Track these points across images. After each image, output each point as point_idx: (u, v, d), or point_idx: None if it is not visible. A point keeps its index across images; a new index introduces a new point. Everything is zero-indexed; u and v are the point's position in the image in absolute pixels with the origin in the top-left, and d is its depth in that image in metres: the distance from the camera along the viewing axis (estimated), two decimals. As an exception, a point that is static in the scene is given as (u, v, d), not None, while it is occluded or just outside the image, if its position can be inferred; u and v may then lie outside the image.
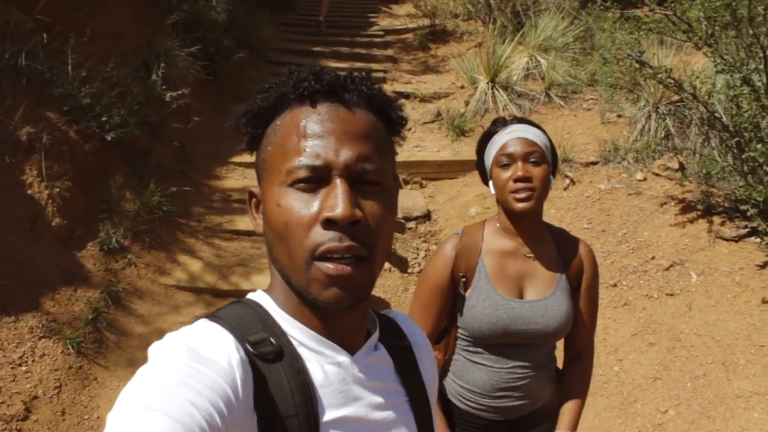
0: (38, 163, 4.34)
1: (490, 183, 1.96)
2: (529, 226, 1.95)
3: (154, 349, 0.79)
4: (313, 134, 0.85)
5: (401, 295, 5.16)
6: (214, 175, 6.18)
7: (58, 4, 5.18)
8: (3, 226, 3.99)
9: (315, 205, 0.83)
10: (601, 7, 5.97)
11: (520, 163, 1.85)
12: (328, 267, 0.82)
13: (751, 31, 4.25)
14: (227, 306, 0.93)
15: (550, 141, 1.95)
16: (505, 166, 1.87)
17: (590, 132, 6.54)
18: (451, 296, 1.98)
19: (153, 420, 0.66)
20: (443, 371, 2.09)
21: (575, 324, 2.04)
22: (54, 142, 4.46)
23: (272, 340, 0.87)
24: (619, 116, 6.62)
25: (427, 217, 6.17)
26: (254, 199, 0.96)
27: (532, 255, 1.96)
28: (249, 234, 5.34)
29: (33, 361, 3.50)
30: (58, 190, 4.39)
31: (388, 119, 0.94)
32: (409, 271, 5.47)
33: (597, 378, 4.19)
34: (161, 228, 5.04)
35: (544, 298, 1.93)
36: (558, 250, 2.00)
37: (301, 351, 0.89)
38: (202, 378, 0.73)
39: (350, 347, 0.94)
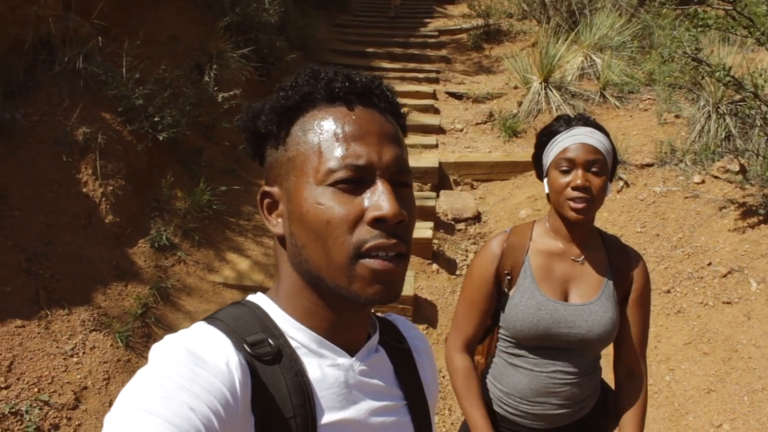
0: (93, 162, 4.47)
1: (545, 181, 1.92)
2: (581, 231, 1.92)
3: (154, 352, 0.79)
4: (354, 135, 0.85)
5: (448, 297, 5.11)
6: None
7: (114, 10, 5.34)
8: (59, 223, 4.12)
9: (359, 205, 0.83)
10: (660, 4, 5.80)
11: (580, 171, 1.80)
12: (374, 263, 0.83)
13: (816, 27, 4.04)
14: (225, 308, 0.93)
15: (612, 144, 1.89)
16: (565, 171, 1.83)
17: (646, 133, 6.35)
18: (496, 294, 1.96)
19: (151, 424, 0.67)
20: (483, 374, 2.06)
21: (623, 338, 1.97)
22: (108, 142, 4.59)
23: (270, 341, 0.87)
24: (677, 117, 6.40)
25: (477, 218, 6.11)
26: (267, 200, 0.94)
27: (580, 258, 1.92)
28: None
29: (84, 353, 3.60)
30: (111, 188, 4.52)
31: (401, 125, 0.96)
32: (458, 273, 5.41)
33: (648, 387, 4.05)
34: (211, 226, 5.13)
35: (588, 303, 1.88)
36: (608, 256, 1.95)
37: (301, 353, 0.89)
38: (201, 382, 0.74)
39: (351, 349, 0.94)
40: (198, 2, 6.74)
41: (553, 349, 1.89)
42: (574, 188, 1.80)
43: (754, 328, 4.15)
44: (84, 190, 4.37)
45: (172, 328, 4.14)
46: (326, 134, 0.86)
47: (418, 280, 5.11)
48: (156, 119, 4.98)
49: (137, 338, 3.92)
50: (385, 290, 0.84)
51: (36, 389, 3.30)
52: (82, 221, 4.26)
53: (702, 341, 4.20)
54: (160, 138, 4.97)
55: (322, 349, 0.90)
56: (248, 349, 0.84)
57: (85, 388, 3.48)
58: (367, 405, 0.93)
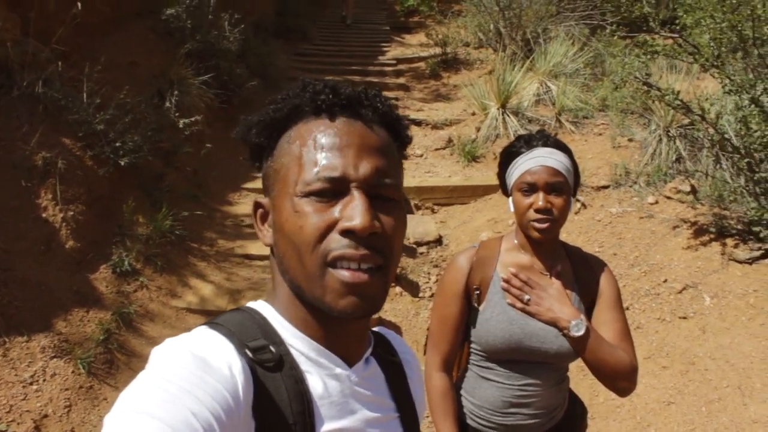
0: (53, 187, 4.40)
1: (510, 200, 1.97)
2: (546, 247, 1.96)
3: (156, 354, 0.79)
4: (332, 147, 0.86)
5: (412, 319, 5.14)
6: (227, 200, 6.23)
7: (74, 35, 5.31)
8: (18, 249, 4.04)
9: (332, 214, 0.84)
10: (610, 34, 6.02)
11: (541, 194, 1.85)
12: (344, 275, 0.83)
13: (757, 52, 4.26)
14: (226, 313, 0.93)
15: (573, 161, 1.93)
16: (526, 192, 1.88)
17: (601, 156, 6.54)
18: (466, 308, 1.98)
19: (151, 427, 0.66)
20: (456, 388, 2.07)
21: (600, 327, 1.96)
22: (69, 167, 4.53)
23: (272, 348, 0.87)
24: (630, 140, 6.62)
25: (438, 242, 6.17)
26: (260, 210, 0.96)
27: (547, 273, 1.96)
28: (261, 258, 5.37)
29: (44, 380, 3.52)
30: (72, 213, 4.45)
31: (397, 137, 0.96)
32: (420, 295, 5.45)
33: (609, 402, 4.13)
34: (173, 252, 5.08)
35: None
36: (572, 268, 2.00)
37: (300, 361, 0.89)
38: (204, 386, 0.73)
39: (349, 359, 0.94)
40: (158, 29, 6.73)
41: (524, 362, 1.92)
42: (536, 210, 1.85)
43: (709, 341, 4.28)
44: (43, 215, 4.30)
45: (135, 354, 4.08)
46: (307, 146, 0.87)
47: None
48: (117, 144, 4.94)
49: (99, 364, 3.85)
50: (360, 303, 0.84)
51: (-6, 418, 3.21)
52: (42, 247, 4.18)
53: (661, 355, 4.31)
54: (122, 163, 4.92)
55: (320, 358, 0.91)
56: (250, 355, 0.84)
57: (46, 416, 3.40)
58: (363, 415, 0.94)
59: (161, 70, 6.26)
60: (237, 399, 0.76)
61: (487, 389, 1.97)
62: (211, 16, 7.17)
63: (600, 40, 7.97)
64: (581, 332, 1.82)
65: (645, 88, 5.11)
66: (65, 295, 4.07)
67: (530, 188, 1.87)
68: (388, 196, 0.88)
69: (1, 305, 3.70)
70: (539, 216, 1.85)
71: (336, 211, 0.84)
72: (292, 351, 0.89)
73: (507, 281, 1.91)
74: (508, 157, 1.96)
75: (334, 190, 0.85)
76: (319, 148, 0.86)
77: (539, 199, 1.84)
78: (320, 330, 0.91)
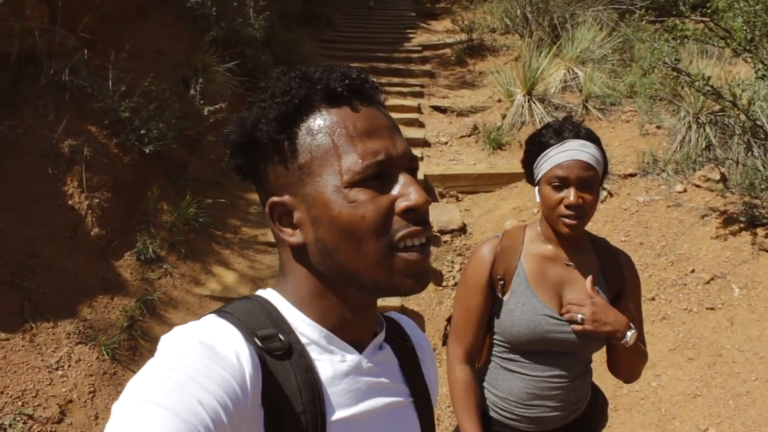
0: (79, 174, 4.46)
1: (536, 191, 1.93)
2: (572, 239, 1.93)
3: (165, 343, 0.78)
4: (366, 132, 0.86)
5: (435, 308, 5.13)
6: (251, 188, 6.15)
7: (100, 23, 5.35)
8: (44, 236, 4.10)
9: (388, 197, 0.86)
10: (639, 18, 5.90)
11: (573, 190, 1.79)
12: (411, 255, 0.86)
13: (792, 36, 4.14)
14: (234, 302, 0.92)
15: (603, 152, 1.88)
16: (557, 187, 1.82)
17: (628, 144, 6.43)
18: (490, 299, 1.95)
19: (158, 416, 0.66)
20: (478, 380, 2.05)
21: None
22: (94, 155, 4.58)
23: (281, 336, 0.86)
24: (658, 128, 6.50)
25: (462, 230, 6.13)
26: (278, 211, 0.91)
27: (572, 263, 1.93)
28: (284, 246, 5.38)
29: (69, 366, 3.57)
30: (97, 200, 4.50)
31: None
32: (444, 284, 5.43)
33: (633, 394, 4.08)
34: (197, 239, 5.12)
35: None
36: (599, 259, 1.97)
37: (310, 349, 0.89)
38: (211, 375, 0.73)
39: (359, 345, 0.94)
40: (184, 17, 6.76)
41: (549, 353, 1.90)
42: (568, 206, 1.80)
43: (737, 333, 4.20)
44: (69, 202, 4.35)
45: (158, 341, 4.12)
46: (339, 136, 0.86)
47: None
48: (142, 132, 4.98)
49: (123, 351, 3.90)
50: (422, 279, 0.87)
51: (20, 403, 3.27)
52: (68, 234, 4.24)
53: (687, 347, 4.24)
54: (147, 151, 4.96)
55: (331, 346, 0.91)
56: (259, 343, 0.84)
57: (71, 401, 3.45)
58: (376, 402, 0.93)
59: (186, 58, 6.29)
60: (245, 388, 0.76)
61: (510, 381, 1.95)
62: (236, 3, 7.18)
63: (629, 25, 7.82)
64: (634, 340, 1.83)
65: (674, 73, 4.99)
66: (90, 282, 4.13)
67: (562, 183, 1.81)
68: (416, 168, 0.92)
69: (27, 291, 3.77)
70: (570, 213, 1.80)
71: (390, 193, 0.86)
72: (302, 339, 0.89)
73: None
74: (537, 146, 1.90)
75: (382, 173, 0.86)
76: (356, 136, 0.86)
77: (571, 195, 1.79)
78: (336, 319, 0.91)
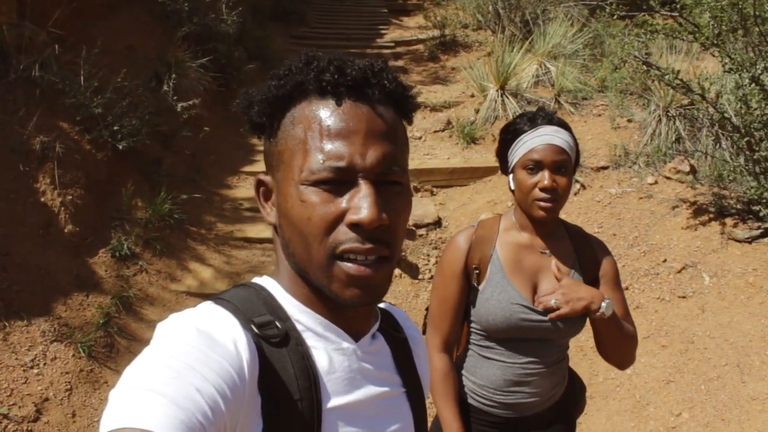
0: (51, 171, 4.40)
1: (510, 177, 1.95)
2: (546, 225, 1.95)
3: (162, 330, 0.78)
4: (338, 133, 0.83)
5: (411, 301, 5.15)
6: (225, 184, 6.22)
7: (71, 18, 5.28)
8: (17, 233, 4.04)
9: (339, 205, 0.82)
10: (610, 15, 5.98)
11: (547, 173, 1.83)
12: (350, 267, 0.83)
13: (758, 30, 4.23)
14: (231, 289, 0.93)
15: (575, 140, 1.92)
16: (531, 171, 1.85)
17: (600, 137, 6.52)
18: (466, 288, 1.97)
19: (156, 403, 0.66)
20: (456, 368, 2.07)
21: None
22: (67, 151, 4.52)
23: (278, 323, 0.87)
24: (629, 121, 6.60)
25: (437, 224, 6.17)
26: (262, 188, 0.94)
27: (547, 251, 1.95)
28: (260, 242, 5.37)
29: (45, 364, 3.53)
30: (70, 197, 4.45)
31: (404, 109, 0.93)
32: (420, 277, 5.46)
33: (609, 381, 4.15)
34: (172, 236, 5.08)
35: None
36: (573, 246, 1.99)
37: (306, 336, 0.89)
38: (209, 362, 0.73)
39: (355, 334, 0.94)
40: (155, 12, 6.69)
41: (525, 340, 1.92)
42: (542, 189, 1.83)
43: (708, 320, 4.30)
44: (42, 199, 4.29)
45: (135, 338, 4.09)
46: (312, 131, 0.84)
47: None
48: (115, 128, 4.93)
49: (100, 348, 3.86)
50: (364, 294, 0.84)
51: (-5, 401, 3.23)
52: (41, 231, 4.18)
53: (660, 334, 4.33)
54: (120, 147, 4.91)
55: (327, 333, 0.91)
56: (256, 330, 0.84)
57: (47, 399, 3.41)
58: (370, 390, 0.94)
59: (158, 54, 6.23)
60: (242, 375, 0.76)
61: (488, 368, 1.97)
62: (208, 0, 7.11)
63: (599, 21, 7.92)
64: (611, 310, 1.85)
65: (644, 67, 5.08)
66: (65, 280, 4.08)
67: (536, 166, 1.84)
68: (395, 181, 0.86)
69: (0, 290, 3.71)
70: (544, 195, 1.83)
71: (343, 201, 0.83)
72: (298, 326, 0.89)
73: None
74: (511, 134, 1.93)
75: (341, 180, 0.83)
76: (325, 135, 0.83)
77: (545, 178, 1.82)
78: (326, 307, 0.91)
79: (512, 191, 2.01)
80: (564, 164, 1.84)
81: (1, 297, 3.69)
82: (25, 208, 4.18)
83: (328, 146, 0.82)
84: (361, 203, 0.81)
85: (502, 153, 1.99)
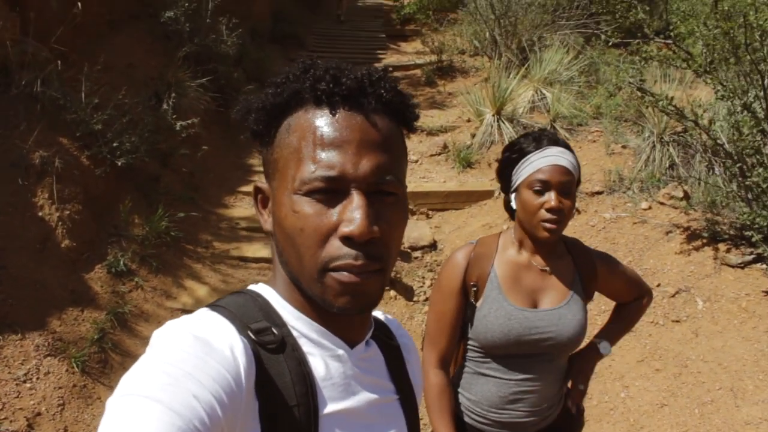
0: (50, 186, 4.41)
1: (513, 197, 1.95)
2: (548, 245, 1.95)
3: (158, 337, 0.79)
4: (330, 143, 0.82)
5: (406, 322, 5.15)
6: (223, 203, 6.24)
7: (73, 36, 5.33)
8: (13, 247, 4.04)
9: (332, 216, 0.82)
10: (605, 43, 6.08)
11: (554, 194, 1.82)
12: (343, 276, 0.82)
13: (749, 58, 4.31)
14: (227, 296, 0.93)
15: (578, 162, 1.93)
16: (538, 192, 1.85)
17: (595, 163, 6.58)
18: (464, 305, 1.96)
19: (153, 411, 0.66)
20: (452, 385, 2.06)
21: (618, 296, 2.18)
22: (66, 166, 4.54)
23: (274, 330, 0.87)
24: (623, 147, 6.66)
25: (433, 246, 6.19)
26: (260, 195, 0.95)
27: (547, 268, 1.95)
28: (256, 261, 5.38)
29: (38, 378, 3.51)
30: (68, 212, 4.46)
31: (403, 119, 0.92)
32: (415, 299, 5.47)
33: (603, 405, 4.15)
34: (168, 253, 5.09)
35: (557, 307, 1.92)
36: (573, 261, 2.00)
37: (302, 342, 0.89)
38: (206, 368, 0.73)
39: (350, 341, 0.94)
40: (157, 32, 6.77)
41: (522, 356, 1.92)
42: (548, 210, 1.82)
43: (701, 344, 4.31)
44: (40, 214, 4.30)
45: (129, 354, 4.07)
46: (306, 140, 0.83)
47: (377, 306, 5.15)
48: (114, 145, 4.95)
49: (94, 364, 3.84)
50: (354, 302, 0.84)
51: (-12, 415, 3.21)
52: (38, 245, 4.18)
53: (654, 358, 4.34)
54: (119, 164, 4.94)
55: (322, 340, 0.91)
56: (253, 336, 0.83)
57: (39, 414, 3.39)
58: (365, 397, 0.94)
59: (159, 73, 6.29)
60: (239, 381, 0.76)
61: (483, 385, 1.97)
62: (209, 20, 7.20)
63: (594, 49, 8.04)
64: (608, 348, 2.11)
65: (639, 94, 5.15)
66: (60, 294, 4.07)
67: (543, 187, 1.84)
68: (388, 191, 0.85)
69: (-5, 303, 3.70)
70: (551, 216, 1.83)
71: (335, 213, 0.82)
72: (294, 333, 0.89)
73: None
74: (516, 153, 1.93)
75: (333, 190, 0.82)
76: (318, 144, 0.83)
77: (552, 199, 1.82)
78: (320, 314, 0.90)
79: (508, 211, 2.03)
80: (569, 186, 1.85)
81: (-4, 310, 3.68)
82: (23, 222, 4.18)
83: (321, 155, 0.82)
84: (353, 215, 0.80)
85: (505, 172, 1.97)
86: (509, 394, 1.93)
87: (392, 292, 5.39)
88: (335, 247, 0.82)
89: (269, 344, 0.85)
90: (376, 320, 1.09)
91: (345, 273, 0.82)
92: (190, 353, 0.74)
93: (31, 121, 4.56)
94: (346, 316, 0.90)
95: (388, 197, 0.85)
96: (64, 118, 4.78)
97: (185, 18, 6.81)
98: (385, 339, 1.07)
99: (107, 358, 3.95)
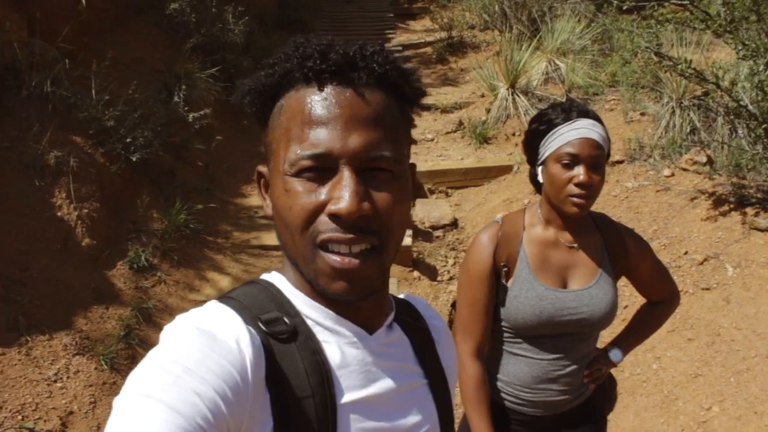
0: (66, 185, 4.40)
1: (540, 170, 1.89)
2: (576, 220, 1.90)
3: (165, 332, 0.78)
4: (318, 121, 0.80)
5: (431, 303, 5.11)
6: (240, 192, 6.22)
7: (79, 33, 5.31)
8: (35, 249, 4.05)
9: (322, 194, 0.80)
10: (617, 9, 5.94)
11: (583, 168, 1.76)
12: (334, 259, 0.80)
13: (773, 15, 4.18)
14: (239, 287, 0.91)
15: (608, 134, 1.86)
16: (567, 165, 1.78)
17: (614, 132, 6.47)
18: (495, 288, 1.91)
19: (155, 410, 0.66)
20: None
21: (645, 286, 2.09)
22: (81, 165, 4.53)
23: (286, 319, 0.85)
24: (642, 114, 6.54)
25: (454, 225, 6.15)
26: (262, 180, 0.93)
27: (575, 245, 1.91)
28: (277, 249, 5.36)
29: (68, 377, 3.52)
30: (86, 211, 4.45)
31: (403, 94, 0.88)
32: (439, 279, 5.43)
33: (635, 377, 4.09)
34: (189, 246, 5.08)
35: (588, 287, 1.88)
36: (602, 237, 1.95)
37: (317, 330, 0.87)
38: (209, 364, 0.72)
39: (368, 326, 0.91)
40: (162, 24, 6.73)
41: (554, 336, 1.89)
42: (577, 185, 1.76)
43: (733, 311, 4.23)
44: (58, 214, 4.30)
45: (156, 349, 4.08)
46: (294, 120, 0.82)
47: (401, 287, 5.12)
48: (128, 141, 4.94)
49: (122, 360, 3.85)
50: (352, 287, 0.81)
51: (20, 417, 3.23)
52: (58, 245, 4.18)
53: (685, 328, 4.26)
54: (133, 159, 4.92)
55: (338, 327, 0.88)
56: (263, 327, 0.82)
57: (71, 412, 3.40)
58: (388, 383, 0.91)
59: (167, 65, 6.26)
60: (245, 375, 0.75)
61: (515, 365, 1.93)
62: (215, 10, 7.14)
63: (607, 15, 7.88)
64: (619, 354, 2.06)
65: (656, 59, 5.03)
66: (84, 293, 4.08)
67: (572, 161, 1.77)
68: (382, 167, 0.82)
69: (21, 305, 3.71)
70: (579, 191, 1.76)
71: (324, 191, 0.80)
72: (308, 321, 0.87)
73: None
74: (545, 125, 1.86)
75: (321, 168, 0.80)
76: (306, 123, 0.81)
77: (581, 173, 1.75)
78: (332, 300, 0.87)
79: (534, 185, 1.97)
80: (600, 160, 1.79)
81: (22, 312, 3.69)
82: (42, 223, 4.19)
83: (308, 134, 0.80)
84: (341, 193, 0.78)
85: (532, 144, 1.91)
86: (542, 373, 1.90)
87: (416, 273, 5.37)
88: (323, 222, 0.80)
89: (281, 334, 0.83)
90: (401, 302, 1.05)
91: (337, 257, 0.80)
92: (194, 348, 0.74)
93: (44, 122, 4.55)
94: (343, 301, 0.87)
95: (382, 174, 0.82)
96: (76, 116, 4.76)
97: (190, 9, 6.77)
98: (412, 321, 1.03)
99: (135, 354, 3.95)
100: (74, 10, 5.12)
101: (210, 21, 7.02)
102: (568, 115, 1.82)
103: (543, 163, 1.87)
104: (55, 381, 3.47)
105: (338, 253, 0.80)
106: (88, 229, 4.40)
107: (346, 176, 0.79)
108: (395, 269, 5.31)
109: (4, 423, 3.15)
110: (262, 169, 0.92)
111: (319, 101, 0.81)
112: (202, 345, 0.74)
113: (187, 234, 5.07)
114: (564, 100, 2.07)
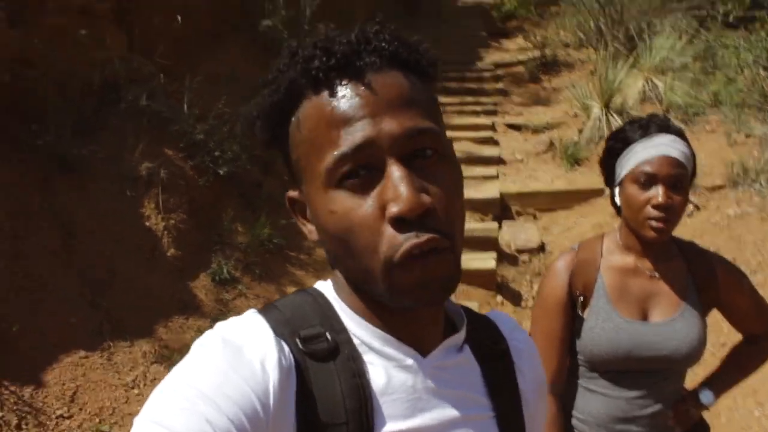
0: (156, 196, 4.55)
1: (617, 191, 1.78)
2: (657, 246, 1.76)
3: (195, 345, 0.74)
4: (345, 118, 0.73)
5: (513, 328, 4.95)
6: (324, 208, 6.26)
7: (176, 49, 5.51)
8: (122, 256, 4.19)
9: (374, 201, 0.72)
10: (723, 24, 5.63)
11: (662, 188, 1.64)
12: (413, 271, 0.71)
13: None
14: (289, 295, 0.85)
15: (692, 151, 1.73)
16: (643, 185, 1.67)
17: (715, 154, 6.11)
18: (571, 318, 1.80)
19: None
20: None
21: (741, 319, 1.87)
22: (171, 177, 4.68)
23: (329, 335, 0.77)
24: (747, 136, 6.16)
25: (541, 249, 5.98)
26: (296, 205, 0.85)
27: (657, 274, 1.77)
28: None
29: (145, 384, 3.60)
30: (173, 222, 4.58)
31: (418, 67, 0.80)
32: (522, 304, 5.27)
33: (735, 422, 3.77)
34: (271, 260, 5.14)
35: (671, 320, 1.73)
36: (687, 265, 1.80)
37: (362, 350, 0.78)
38: (227, 389, 0.68)
39: (422, 346, 0.81)
40: (256, 41, 6.91)
41: (633, 372, 1.75)
42: (655, 206, 1.64)
43: None
44: (147, 224, 4.44)
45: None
46: (318, 128, 0.74)
47: (483, 312, 4.98)
48: (216, 154, 5.06)
49: (198, 370, 3.90)
50: (431, 294, 0.72)
51: (98, 419, 3.31)
52: (145, 255, 4.32)
53: (791, 370, 3.90)
54: (221, 172, 5.04)
55: (386, 348, 0.79)
56: (300, 345, 0.75)
57: (147, 420, 3.47)
58: (441, 414, 0.79)
59: (259, 81, 6.40)
60: (266, 401, 0.69)
61: (591, 402, 1.80)
62: (308, 27, 7.27)
63: (711, 31, 7.50)
64: (711, 397, 1.83)
65: (764, 74, 4.70)
66: (166, 302, 4.18)
67: (649, 180, 1.65)
68: (427, 147, 0.74)
69: (106, 311, 3.84)
70: (657, 213, 1.64)
71: (376, 196, 0.72)
72: (355, 340, 0.78)
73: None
74: (621, 142, 1.75)
75: (365, 166, 0.72)
76: (332, 125, 0.73)
77: (659, 194, 1.63)
78: (383, 317, 0.79)
79: (615, 207, 1.84)
80: (680, 179, 1.65)
81: (107, 318, 3.81)
82: (131, 232, 4.33)
83: (339, 134, 0.72)
84: (396, 191, 0.70)
85: (608, 163, 1.80)
86: (619, 412, 1.76)
87: (499, 297, 5.23)
88: (391, 235, 0.71)
89: (319, 353, 0.75)
90: (482, 320, 0.94)
91: (415, 267, 0.70)
92: (214, 369, 0.69)
93: (138, 135, 4.73)
94: (413, 317, 0.79)
95: (429, 157, 0.74)
96: (169, 129, 4.93)
97: (283, 25, 6.91)
98: (489, 343, 0.91)
99: (211, 365, 4.00)
100: (171, 27, 5.32)
101: (302, 36, 7.15)
102: (646, 131, 1.70)
103: (620, 184, 1.75)
104: (133, 387, 3.55)
105: (414, 260, 0.71)
106: (174, 240, 4.52)
107: (394, 170, 0.71)
108: (478, 293, 5.19)
109: (83, 425, 3.24)
110: (293, 194, 0.84)
111: (338, 99, 0.74)
112: (225, 365, 0.70)
113: (270, 248, 5.13)
114: (653, 113, 1.91)
